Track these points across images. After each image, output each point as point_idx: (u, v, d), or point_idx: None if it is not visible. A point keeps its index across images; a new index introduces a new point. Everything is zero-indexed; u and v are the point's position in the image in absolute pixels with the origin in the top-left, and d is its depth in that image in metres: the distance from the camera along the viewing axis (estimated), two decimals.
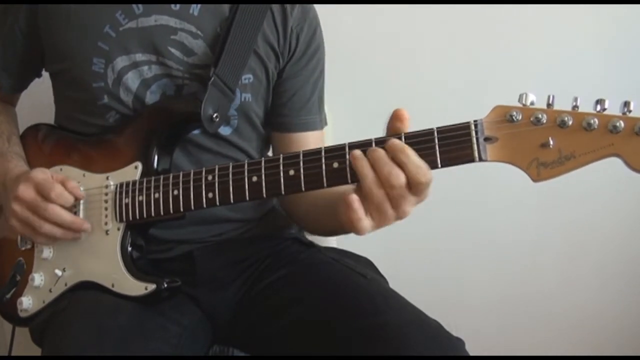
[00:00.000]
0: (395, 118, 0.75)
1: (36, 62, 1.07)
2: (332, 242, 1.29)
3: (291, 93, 1.06)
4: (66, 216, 0.93)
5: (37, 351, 0.99)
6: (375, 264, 1.06)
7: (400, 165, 0.72)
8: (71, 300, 0.95)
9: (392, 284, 0.99)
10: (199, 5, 0.98)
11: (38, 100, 1.17)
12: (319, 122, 1.11)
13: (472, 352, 0.85)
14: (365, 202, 0.74)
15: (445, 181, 1.41)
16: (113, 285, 0.93)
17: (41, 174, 0.93)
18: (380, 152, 0.73)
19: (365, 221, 0.75)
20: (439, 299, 1.25)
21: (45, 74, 1.12)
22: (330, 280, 0.98)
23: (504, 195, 1.46)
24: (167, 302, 0.95)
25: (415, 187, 0.73)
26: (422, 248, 1.51)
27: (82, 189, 0.99)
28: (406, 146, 0.72)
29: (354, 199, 0.74)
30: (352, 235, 1.29)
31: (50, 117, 1.12)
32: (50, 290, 0.99)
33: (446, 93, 1.40)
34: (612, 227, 1.48)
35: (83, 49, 0.98)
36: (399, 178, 0.72)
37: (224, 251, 1.05)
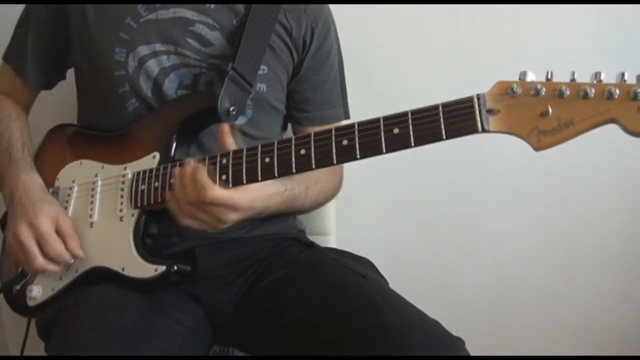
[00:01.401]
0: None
1: (62, 56, 1.11)
2: (332, 242, 1.31)
3: (313, 89, 1.12)
4: (51, 268, 0.97)
5: (41, 351, 0.99)
6: (375, 264, 1.07)
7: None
8: (78, 298, 0.96)
9: (392, 284, 1.00)
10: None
11: (62, 101, 1.22)
12: (341, 115, 1.16)
13: (472, 352, 0.85)
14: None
15: (445, 181, 1.46)
16: (124, 269, 0.95)
17: (46, 221, 0.95)
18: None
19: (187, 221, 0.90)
20: (439, 299, 1.25)
21: (68, 74, 1.17)
22: (331, 280, 0.99)
23: (505, 195, 1.47)
24: (170, 301, 0.96)
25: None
26: (422, 248, 1.52)
27: (99, 179, 1.03)
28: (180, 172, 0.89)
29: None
30: (352, 236, 1.35)
31: (65, 118, 1.17)
32: (60, 278, 1.00)
33: (445, 95, 1.43)
34: (613, 227, 1.49)
35: (106, 39, 1.03)
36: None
37: (224, 250, 1.07)
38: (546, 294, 1.53)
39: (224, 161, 0.90)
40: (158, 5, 1.04)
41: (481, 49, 1.43)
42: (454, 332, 0.86)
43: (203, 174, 0.86)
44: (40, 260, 0.95)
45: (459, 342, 0.85)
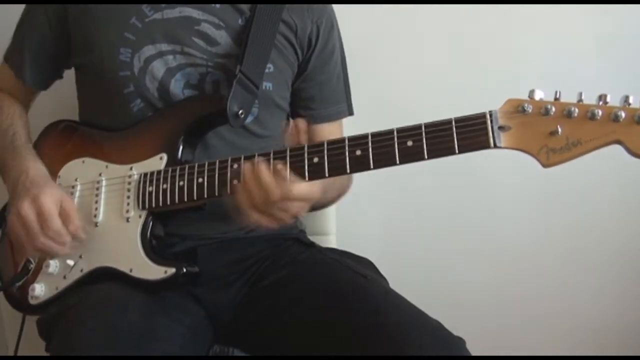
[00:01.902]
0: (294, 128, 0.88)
1: (62, 58, 1.10)
2: (332, 242, 1.33)
3: (319, 86, 1.14)
4: (55, 249, 0.95)
5: (42, 351, 0.98)
6: (375, 264, 1.08)
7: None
8: (80, 297, 0.96)
9: (392, 284, 1.01)
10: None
11: (54, 100, 1.20)
12: (346, 110, 1.19)
13: (472, 352, 0.86)
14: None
15: (445, 181, 1.48)
16: (131, 270, 0.95)
17: (49, 200, 0.93)
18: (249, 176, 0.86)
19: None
20: (439, 299, 1.25)
21: (66, 74, 1.16)
22: (331, 280, 1.00)
23: (505, 195, 1.49)
24: (171, 301, 0.96)
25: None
26: (422, 248, 1.53)
27: (103, 179, 1.02)
28: (260, 169, 0.85)
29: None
30: (352, 236, 1.36)
31: (64, 116, 1.15)
32: (64, 277, 1.00)
33: (446, 95, 1.44)
34: (613, 226, 1.50)
35: (110, 40, 1.02)
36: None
37: (225, 250, 1.07)
38: (547, 293, 1.55)
39: (235, 166, 0.91)
40: (163, 4, 1.03)
41: (482, 47, 1.43)
42: (455, 332, 0.87)
43: (286, 171, 0.85)
44: (41, 239, 0.93)
45: (459, 341, 0.86)
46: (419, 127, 0.82)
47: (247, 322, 1.04)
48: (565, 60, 1.42)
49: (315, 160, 0.86)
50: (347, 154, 0.85)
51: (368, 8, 1.43)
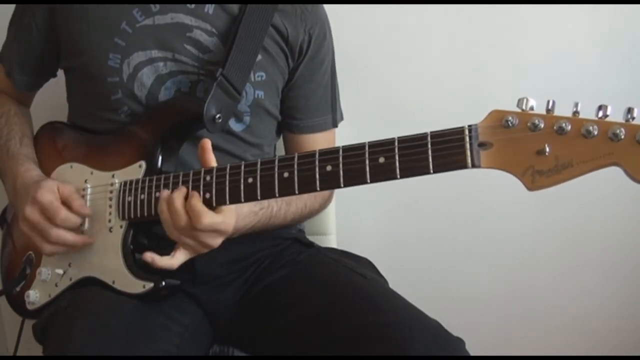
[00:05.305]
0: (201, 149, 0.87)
1: (51, 60, 1.09)
2: (332, 242, 1.31)
3: (305, 96, 1.10)
4: (69, 238, 0.95)
5: (40, 353, 1.00)
6: (375, 264, 1.06)
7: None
8: (73, 299, 0.96)
9: (392, 284, 1.00)
10: (213, 4, 1.01)
11: (53, 100, 1.19)
12: (330, 122, 1.15)
13: (472, 352, 0.86)
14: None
15: (444, 181, 1.38)
16: (114, 282, 0.94)
17: (47, 194, 0.94)
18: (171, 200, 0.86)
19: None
20: (439, 299, 1.24)
21: (60, 73, 1.14)
22: (330, 280, 0.98)
23: (503, 195, 1.43)
24: (168, 301, 0.95)
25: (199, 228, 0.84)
26: (422, 248, 1.52)
27: (89, 186, 1.01)
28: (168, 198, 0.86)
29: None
30: (352, 235, 1.36)
31: (63, 116, 1.15)
32: (56, 285, 1.01)
33: (446, 95, 1.40)
34: (613, 224, 1.47)
35: (100, 44, 1.00)
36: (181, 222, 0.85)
37: (224, 250, 1.03)
38: (545, 293, 1.53)
39: (208, 178, 0.87)
40: (154, 10, 0.99)
41: (483, 47, 1.40)
42: (454, 332, 0.86)
43: (198, 201, 0.84)
44: (54, 232, 0.94)
45: (458, 342, 0.85)
46: (392, 141, 0.74)
47: (246, 322, 1.03)
48: (567, 60, 1.36)
49: (286, 175, 0.81)
50: (317, 169, 0.78)
51: (367, 8, 1.38)
